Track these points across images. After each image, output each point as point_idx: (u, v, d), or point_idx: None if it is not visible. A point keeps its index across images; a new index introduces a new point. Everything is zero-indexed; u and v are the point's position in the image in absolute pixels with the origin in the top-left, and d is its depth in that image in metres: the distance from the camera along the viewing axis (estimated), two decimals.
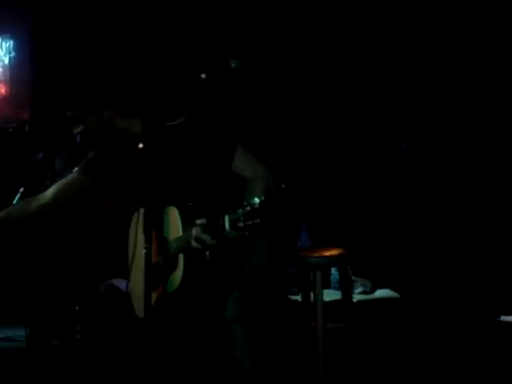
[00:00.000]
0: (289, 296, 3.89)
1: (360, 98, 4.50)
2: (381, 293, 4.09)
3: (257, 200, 2.25)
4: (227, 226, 2.34)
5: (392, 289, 4.08)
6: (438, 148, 4.27)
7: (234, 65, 2.67)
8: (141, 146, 2.74)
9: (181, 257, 2.68)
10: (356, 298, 3.87)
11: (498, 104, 4.11)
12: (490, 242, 3.93)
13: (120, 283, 4.43)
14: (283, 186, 2.80)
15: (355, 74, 4.52)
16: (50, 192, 3.00)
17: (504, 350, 3.18)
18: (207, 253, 2.57)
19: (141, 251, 2.75)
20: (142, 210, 2.88)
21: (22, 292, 4.14)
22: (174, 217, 2.76)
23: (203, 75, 2.67)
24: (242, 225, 2.27)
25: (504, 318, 3.49)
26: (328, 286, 4.04)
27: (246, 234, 2.29)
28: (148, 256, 2.60)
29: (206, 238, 2.46)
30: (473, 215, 4.02)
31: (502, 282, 3.79)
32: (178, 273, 2.69)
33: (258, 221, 2.24)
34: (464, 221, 4.04)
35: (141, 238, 2.78)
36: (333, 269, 4.04)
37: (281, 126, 4.48)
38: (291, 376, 3.27)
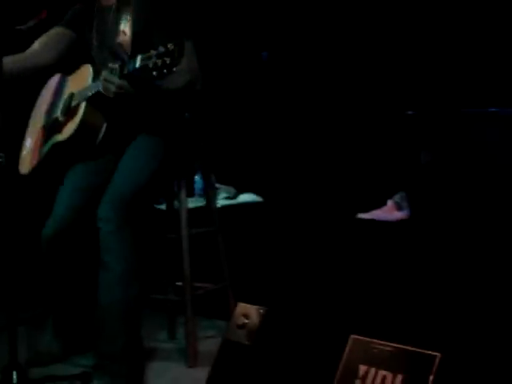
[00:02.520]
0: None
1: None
2: (244, 197, 4.17)
3: (171, 45, 2.39)
4: (137, 64, 2.48)
5: (255, 193, 4.16)
6: (298, 56, 4.33)
7: None
8: None
9: (82, 105, 2.83)
10: (220, 203, 3.93)
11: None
12: (345, 141, 4.05)
13: None
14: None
15: None
16: (36, 44, 3.09)
17: (361, 246, 3.31)
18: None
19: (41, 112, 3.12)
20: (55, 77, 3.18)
21: None
22: (85, 72, 2.92)
23: None
24: (151, 63, 2.41)
25: (361, 215, 3.63)
26: (192, 195, 4.08)
27: (154, 74, 2.41)
28: None
29: (114, 78, 2.61)
30: (326, 116, 4.12)
31: (357, 181, 3.93)
32: (76, 119, 2.84)
33: (168, 60, 2.37)
34: (319, 123, 4.14)
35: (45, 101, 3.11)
36: (196, 177, 4.08)
37: None
38: (158, 279, 3.32)
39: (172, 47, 2.39)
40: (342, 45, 4.18)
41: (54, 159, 3.00)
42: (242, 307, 2.18)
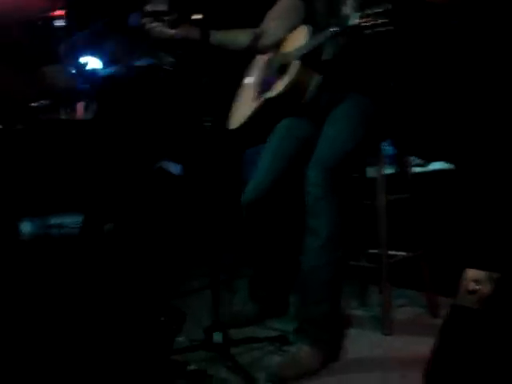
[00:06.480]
0: None
1: None
2: (435, 165, 4.06)
3: (388, 5, 2.38)
4: (351, 22, 2.47)
5: (446, 161, 4.04)
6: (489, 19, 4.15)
7: None
8: None
9: (295, 64, 2.89)
10: (412, 170, 3.84)
11: None
12: None
13: (170, 166, 4.45)
14: None
15: None
16: (270, 22, 3.21)
17: None
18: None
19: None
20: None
21: (76, 178, 4.14)
22: (302, 32, 2.94)
23: None
24: (366, 22, 2.41)
25: None
26: None
27: (367, 32, 2.42)
28: None
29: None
30: None
31: None
32: (287, 77, 2.89)
33: (384, 20, 2.37)
34: None
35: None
36: (385, 144, 4.00)
37: None
38: (352, 246, 3.29)
39: (389, 7, 2.36)
40: None
41: (262, 116, 3.04)
42: (472, 272, 2.12)
